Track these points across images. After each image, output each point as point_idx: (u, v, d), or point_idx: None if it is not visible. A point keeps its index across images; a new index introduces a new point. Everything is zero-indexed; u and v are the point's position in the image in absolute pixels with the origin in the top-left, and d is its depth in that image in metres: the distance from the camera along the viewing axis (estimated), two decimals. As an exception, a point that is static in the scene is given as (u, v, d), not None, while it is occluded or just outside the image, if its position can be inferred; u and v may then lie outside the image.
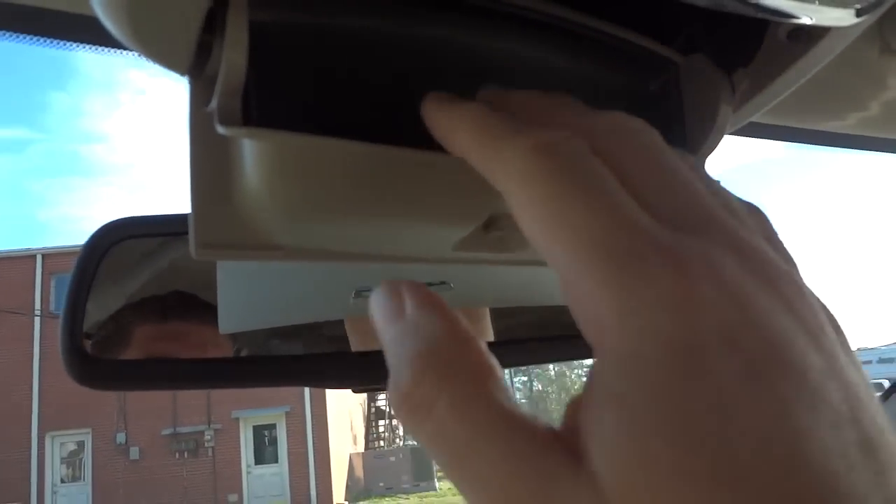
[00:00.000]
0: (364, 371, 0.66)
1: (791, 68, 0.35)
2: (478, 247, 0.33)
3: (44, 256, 18.38)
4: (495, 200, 0.31)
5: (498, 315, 0.79)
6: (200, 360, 0.82)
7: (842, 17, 0.29)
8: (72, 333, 0.61)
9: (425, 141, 0.28)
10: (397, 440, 26.64)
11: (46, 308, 17.62)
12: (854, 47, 0.40)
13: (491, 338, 0.78)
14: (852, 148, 0.59)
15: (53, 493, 17.77)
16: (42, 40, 0.40)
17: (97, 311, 0.72)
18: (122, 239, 0.68)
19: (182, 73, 0.28)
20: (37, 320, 17.56)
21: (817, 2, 0.28)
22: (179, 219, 0.69)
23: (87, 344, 0.68)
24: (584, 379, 0.22)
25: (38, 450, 17.73)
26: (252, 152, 0.28)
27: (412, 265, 0.38)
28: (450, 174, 0.30)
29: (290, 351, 0.83)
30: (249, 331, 0.84)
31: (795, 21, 0.30)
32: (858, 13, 0.29)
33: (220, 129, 0.27)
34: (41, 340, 17.58)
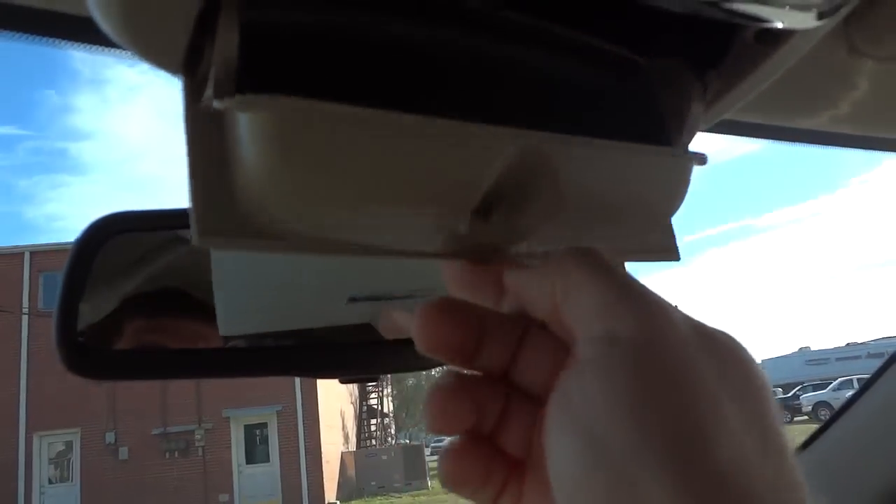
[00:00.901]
0: (355, 361, 0.67)
1: (759, 68, 0.36)
2: (484, 236, 0.33)
3: (32, 254, 18.28)
4: (491, 173, 0.31)
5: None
6: (192, 350, 0.83)
7: (804, 20, 0.31)
8: (66, 324, 0.62)
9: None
10: (389, 439, 26.65)
11: (35, 306, 17.52)
12: (823, 48, 0.41)
13: None
14: (825, 144, 0.61)
15: (41, 493, 17.68)
16: (37, 39, 0.41)
17: (91, 313, 0.73)
18: (116, 232, 0.69)
19: (175, 73, 0.30)
20: (25, 318, 17.45)
21: (781, 6, 0.30)
22: (172, 213, 0.70)
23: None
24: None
25: (26, 450, 17.63)
26: (248, 131, 0.28)
27: (413, 264, 0.39)
28: (444, 142, 0.30)
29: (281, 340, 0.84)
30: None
31: (762, 24, 0.31)
32: (819, 16, 0.31)
33: (216, 104, 0.27)
34: (29, 339, 17.48)
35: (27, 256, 18.24)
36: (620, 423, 0.26)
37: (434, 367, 0.67)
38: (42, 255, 18.12)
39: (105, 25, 0.27)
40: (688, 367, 0.28)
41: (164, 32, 0.28)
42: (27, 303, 17.63)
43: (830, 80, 0.48)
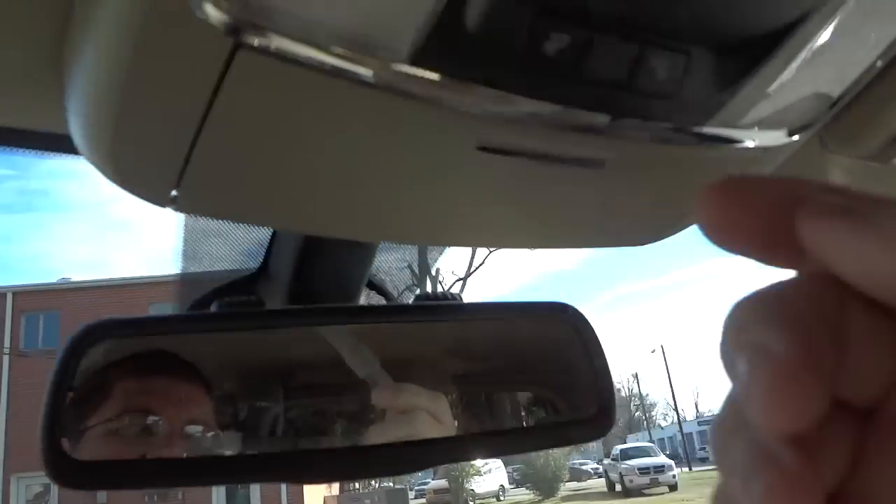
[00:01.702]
0: (349, 465, 0.67)
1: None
2: None
3: (14, 294, 18.08)
4: None
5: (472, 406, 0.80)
6: (171, 459, 0.83)
7: (776, 138, 0.32)
8: (51, 435, 0.62)
9: None
10: (372, 482, 26.19)
11: (17, 346, 17.25)
12: (801, 146, 0.43)
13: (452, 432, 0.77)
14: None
15: (18, 537, 17.23)
16: (29, 153, 0.42)
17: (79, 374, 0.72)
18: (101, 339, 0.69)
19: (163, 207, 0.31)
20: (6, 359, 17.16)
21: (755, 128, 0.31)
22: (158, 320, 0.71)
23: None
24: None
25: (3, 492, 17.19)
26: None
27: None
28: None
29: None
30: (227, 387, 0.85)
31: (738, 145, 0.32)
32: (790, 133, 0.32)
33: None
34: (10, 379, 17.17)
35: (10, 297, 18.03)
36: None
37: (428, 468, 0.68)
38: (25, 295, 17.91)
39: (99, 171, 0.28)
40: None
41: (153, 183, 0.29)
42: (9, 343, 17.36)
43: (807, 174, 0.49)
